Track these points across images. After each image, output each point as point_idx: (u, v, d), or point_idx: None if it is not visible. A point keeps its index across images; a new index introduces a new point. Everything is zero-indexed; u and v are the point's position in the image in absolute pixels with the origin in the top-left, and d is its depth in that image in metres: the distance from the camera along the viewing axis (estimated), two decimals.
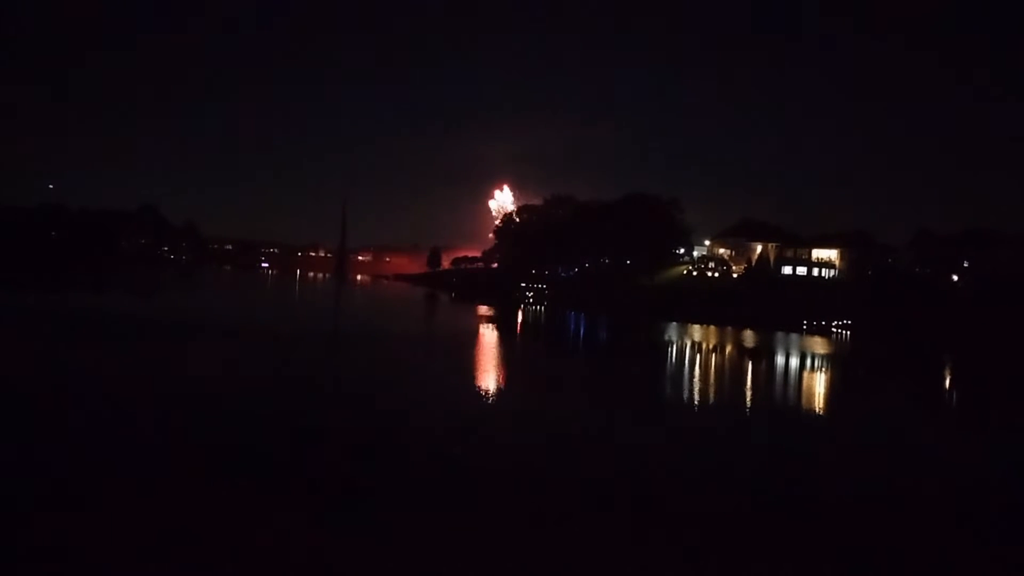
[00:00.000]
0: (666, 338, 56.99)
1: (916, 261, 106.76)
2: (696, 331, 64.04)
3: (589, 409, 24.04)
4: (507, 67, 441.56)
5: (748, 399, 28.42)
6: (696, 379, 32.73)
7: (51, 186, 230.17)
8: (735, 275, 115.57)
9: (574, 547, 10.89)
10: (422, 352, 37.48)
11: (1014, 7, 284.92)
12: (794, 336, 65.26)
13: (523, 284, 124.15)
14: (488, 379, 29.13)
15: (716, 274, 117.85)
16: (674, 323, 72.19)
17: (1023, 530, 13.71)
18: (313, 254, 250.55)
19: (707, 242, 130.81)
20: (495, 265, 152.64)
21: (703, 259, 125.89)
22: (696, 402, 26.45)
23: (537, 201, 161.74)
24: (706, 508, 13.21)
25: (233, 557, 9.66)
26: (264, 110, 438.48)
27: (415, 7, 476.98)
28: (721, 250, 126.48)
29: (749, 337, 60.51)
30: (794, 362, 44.48)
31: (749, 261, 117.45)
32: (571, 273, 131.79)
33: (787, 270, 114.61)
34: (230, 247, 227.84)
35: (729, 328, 68.61)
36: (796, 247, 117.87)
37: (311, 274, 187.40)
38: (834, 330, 76.36)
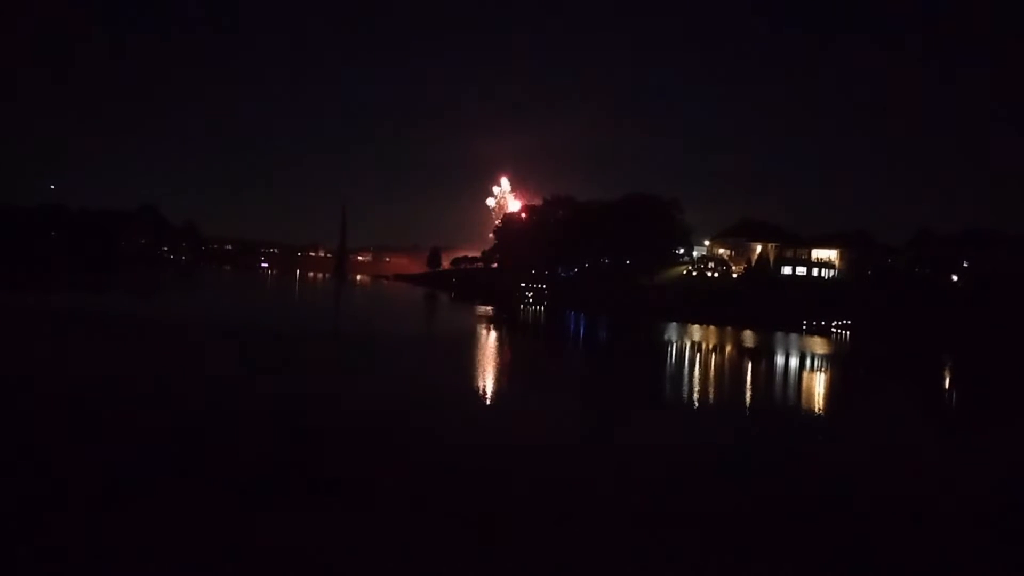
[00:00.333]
0: (666, 338, 56.99)
1: (916, 261, 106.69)
2: (696, 331, 64.04)
3: (589, 410, 24.03)
4: (507, 67, 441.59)
5: (748, 399, 28.42)
6: (696, 379, 32.72)
7: (52, 187, 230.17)
8: (735, 275, 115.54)
9: (573, 545, 10.91)
10: (422, 352, 37.48)
11: (1014, 6, 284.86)
12: (794, 336, 65.27)
13: (523, 284, 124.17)
14: (488, 379, 29.12)
15: (716, 274, 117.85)
16: (674, 323, 72.19)
17: (1022, 531, 13.70)
18: (313, 254, 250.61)
19: (707, 242, 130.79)
20: (495, 265, 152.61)
21: (703, 259, 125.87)
22: (696, 402, 26.43)
23: (537, 201, 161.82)
24: (705, 509, 13.21)
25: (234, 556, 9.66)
26: (264, 110, 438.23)
27: (415, 7, 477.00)
28: (721, 250, 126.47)
29: (749, 337, 60.51)
30: (794, 362, 44.48)
31: (749, 261, 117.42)
32: (571, 273, 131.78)
33: (787, 270, 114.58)
34: (230, 247, 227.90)
35: (729, 328, 68.62)
36: (796, 247, 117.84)
37: (311, 274, 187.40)
38: (834, 330, 76.36)
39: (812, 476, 16.68)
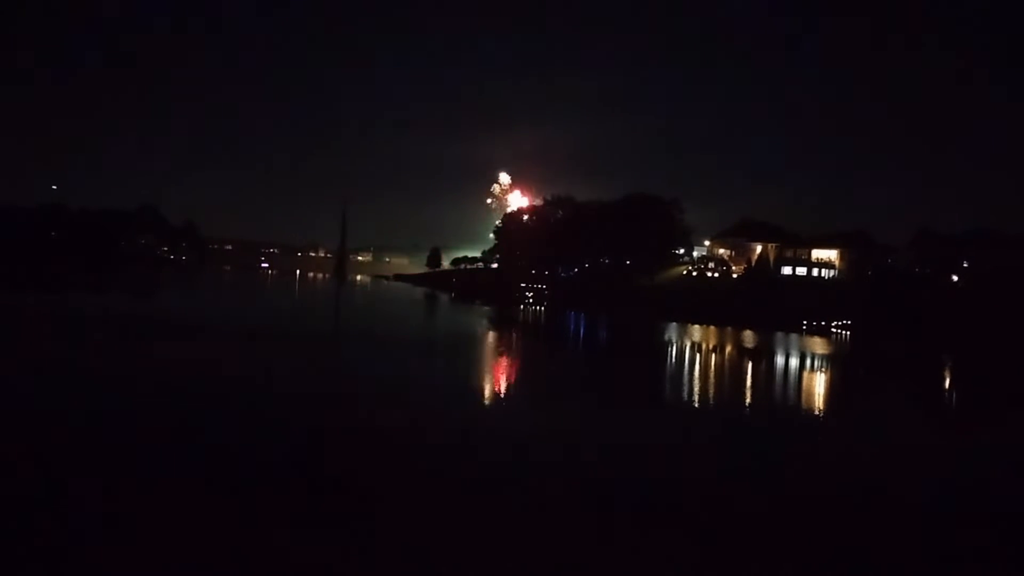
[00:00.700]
0: (666, 338, 56.97)
1: (916, 261, 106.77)
2: (696, 331, 64.03)
3: (589, 410, 24.01)
4: (507, 67, 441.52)
5: (748, 400, 28.41)
6: (696, 380, 32.71)
7: (54, 187, 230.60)
8: (735, 275, 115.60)
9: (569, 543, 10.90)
10: (423, 353, 37.47)
11: (1015, 7, 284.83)
12: (794, 336, 65.24)
13: (523, 284, 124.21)
14: (488, 380, 29.12)
15: (716, 274, 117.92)
16: (674, 323, 72.17)
17: (1020, 532, 13.69)
18: (313, 254, 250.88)
19: (707, 242, 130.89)
20: (495, 265, 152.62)
21: (703, 259, 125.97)
22: (696, 403, 26.42)
23: (537, 201, 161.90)
24: (703, 508, 13.20)
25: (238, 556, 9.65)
26: (264, 110, 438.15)
27: (415, 7, 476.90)
28: (721, 250, 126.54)
29: (749, 337, 60.49)
30: (794, 362, 44.47)
31: (749, 261, 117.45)
32: (571, 273, 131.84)
33: (787, 270, 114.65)
34: (230, 247, 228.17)
35: (729, 328, 68.60)
36: (796, 247, 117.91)
37: (311, 274, 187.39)
38: (834, 330, 76.35)
39: (812, 476, 16.66)
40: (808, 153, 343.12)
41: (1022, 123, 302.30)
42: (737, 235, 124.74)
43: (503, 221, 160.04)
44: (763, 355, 47.22)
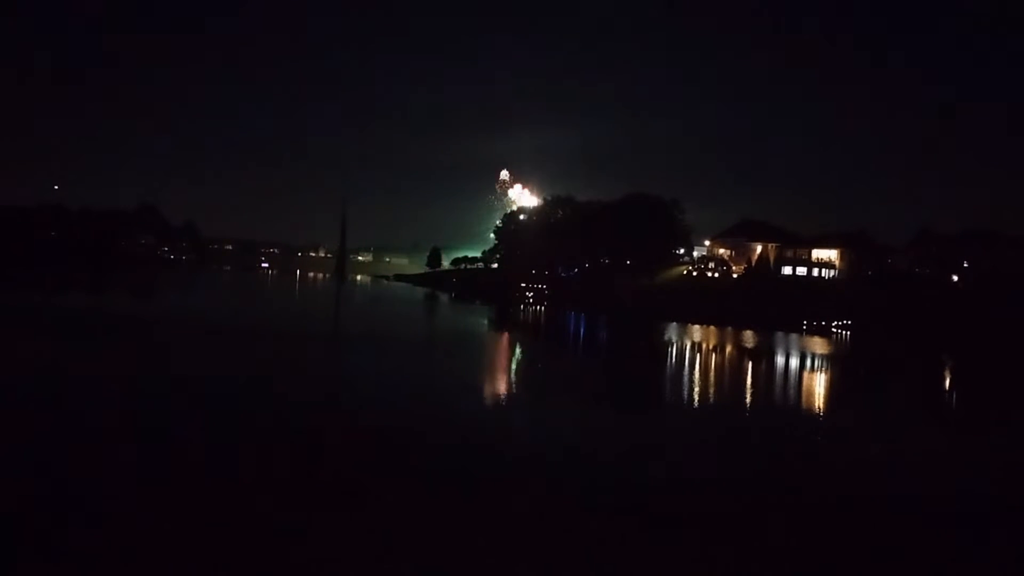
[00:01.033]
0: (666, 338, 56.97)
1: (916, 261, 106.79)
2: (696, 331, 64.03)
3: (589, 410, 24.02)
4: (507, 67, 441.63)
5: (748, 400, 28.41)
6: (696, 380, 32.71)
7: (56, 187, 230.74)
8: (735, 275, 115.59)
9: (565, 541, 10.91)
10: (423, 353, 37.48)
11: (1015, 7, 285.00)
12: (794, 336, 65.24)
13: (523, 284, 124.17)
14: (488, 379, 29.13)
15: (716, 274, 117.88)
16: (674, 323, 72.16)
17: (1018, 533, 13.69)
18: (313, 254, 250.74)
19: (707, 242, 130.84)
20: (495, 265, 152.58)
21: (703, 259, 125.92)
22: (696, 403, 26.44)
23: (538, 201, 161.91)
24: (700, 509, 13.20)
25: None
26: (264, 110, 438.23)
27: (415, 7, 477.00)
28: (721, 250, 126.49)
29: (749, 337, 60.50)
30: (794, 362, 44.48)
31: (749, 261, 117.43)
32: (571, 273, 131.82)
33: (787, 270, 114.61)
34: (230, 247, 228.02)
35: (729, 328, 68.59)
36: (796, 247, 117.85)
37: (311, 274, 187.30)
38: (834, 330, 76.34)
39: (813, 476, 16.66)
40: (808, 153, 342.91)
41: (1022, 123, 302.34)
42: (737, 235, 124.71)
43: (503, 221, 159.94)
44: (763, 355, 47.22)
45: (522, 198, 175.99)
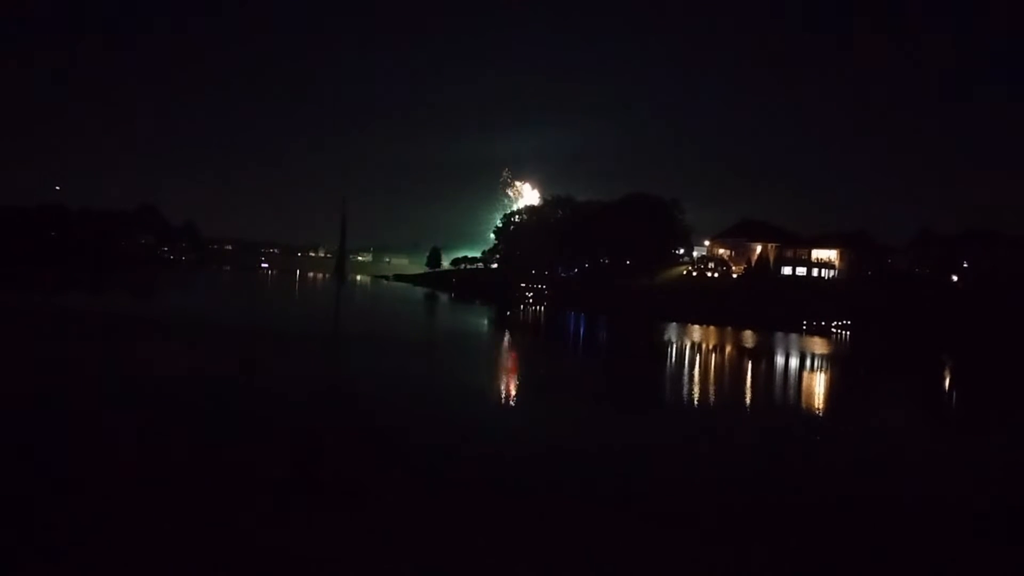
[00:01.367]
0: (666, 338, 56.97)
1: (916, 261, 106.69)
2: (696, 331, 64.03)
3: (589, 411, 24.04)
4: (507, 67, 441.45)
5: (747, 400, 28.44)
6: (696, 380, 32.72)
7: (57, 188, 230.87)
8: (735, 275, 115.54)
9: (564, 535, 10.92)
10: (423, 353, 37.48)
11: (1015, 7, 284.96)
12: (794, 336, 65.23)
13: (523, 284, 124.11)
14: (488, 380, 29.14)
15: (716, 274, 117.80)
16: (674, 323, 72.16)
17: (1017, 534, 13.71)
18: (313, 254, 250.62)
19: (707, 242, 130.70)
20: (495, 265, 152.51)
21: (703, 259, 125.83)
22: (696, 403, 26.45)
23: (539, 199, 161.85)
24: (700, 509, 13.22)
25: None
26: (264, 110, 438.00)
27: (415, 6, 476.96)
28: (721, 250, 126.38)
29: (749, 337, 60.51)
30: (794, 362, 44.49)
31: (749, 261, 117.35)
32: (571, 273, 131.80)
33: (787, 270, 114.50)
34: (230, 247, 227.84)
35: (729, 328, 68.57)
36: (796, 247, 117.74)
37: (311, 274, 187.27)
38: (834, 330, 76.32)
39: (813, 476, 16.67)
40: (808, 153, 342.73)
41: (1022, 123, 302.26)
42: (737, 235, 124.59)
43: (503, 221, 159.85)
44: (763, 355, 47.23)
45: (530, 194, 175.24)
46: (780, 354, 48.85)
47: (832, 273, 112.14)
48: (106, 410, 17.67)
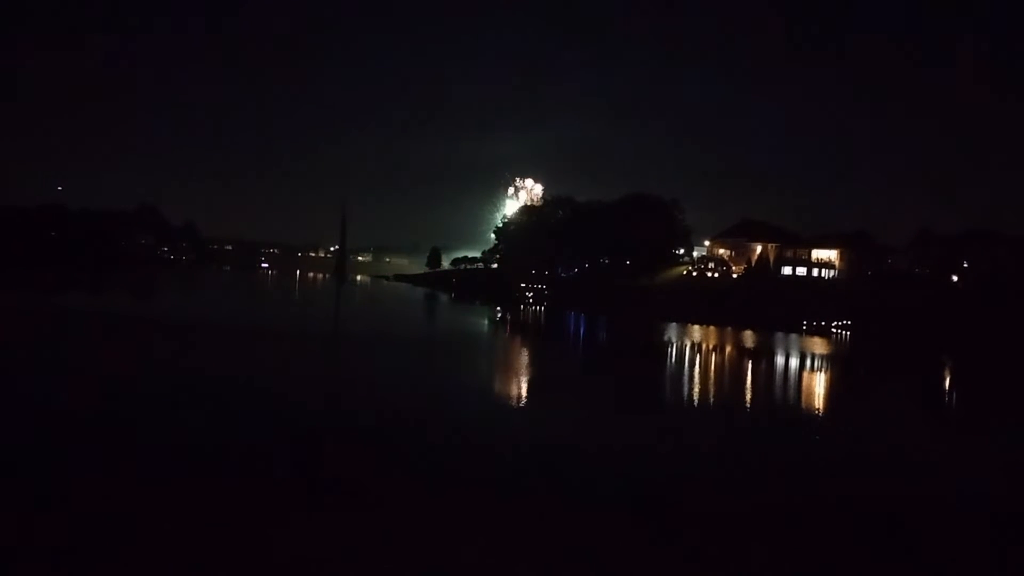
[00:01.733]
0: (666, 339, 56.98)
1: (916, 261, 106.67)
2: (696, 331, 64.03)
3: (590, 411, 24.04)
4: (507, 67, 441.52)
5: (748, 400, 28.45)
6: (696, 381, 32.73)
7: (59, 188, 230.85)
8: (735, 275, 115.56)
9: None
10: (424, 353, 37.49)
11: (1015, 7, 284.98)
12: (794, 336, 65.22)
13: (523, 284, 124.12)
14: (488, 380, 29.14)
15: (716, 274, 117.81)
16: (674, 323, 72.16)
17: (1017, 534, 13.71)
18: (313, 254, 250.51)
19: (707, 242, 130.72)
20: (495, 265, 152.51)
21: (703, 259, 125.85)
22: (696, 404, 26.46)
23: (539, 194, 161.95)
24: (700, 508, 13.22)
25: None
26: (264, 110, 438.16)
27: (415, 6, 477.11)
28: (721, 250, 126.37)
29: (749, 337, 60.51)
30: (794, 363, 44.49)
31: (749, 261, 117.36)
32: (571, 273, 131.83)
33: (787, 270, 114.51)
34: (230, 247, 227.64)
35: (729, 328, 68.55)
36: (796, 247, 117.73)
37: (311, 274, 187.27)
38: (834, 330, 76.31)
39: (813, 476, 16.67)
40: (808, 153, 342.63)
41: (1022, 123, 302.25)
42: (737, 235, 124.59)
43: (503, 221, 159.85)
44: (763, 356, 47.24)
45: (530, 194, 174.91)
46: (780, 354, 48.85)
47: (832, 273, 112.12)
48: (108, 409, 17.68)
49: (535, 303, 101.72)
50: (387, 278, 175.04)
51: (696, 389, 29.92)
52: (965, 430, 26.21)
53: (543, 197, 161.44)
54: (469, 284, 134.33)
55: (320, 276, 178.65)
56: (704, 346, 51.87)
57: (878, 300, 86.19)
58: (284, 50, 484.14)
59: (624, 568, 10.37)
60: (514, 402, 24.57)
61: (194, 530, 10.45)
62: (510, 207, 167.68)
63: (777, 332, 67.05)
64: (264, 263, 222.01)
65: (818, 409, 28.11)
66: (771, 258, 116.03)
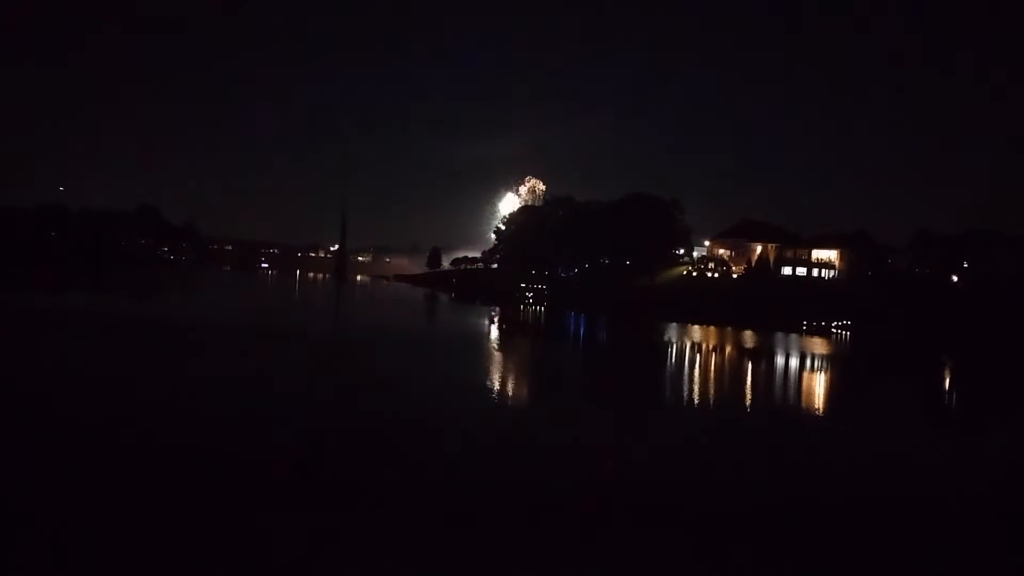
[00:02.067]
0: (666, 339, 56.99)
1: (916, 261, 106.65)
2: (696, 331, 64.05)
3: (588, 411, 24.04)
4: (507, 67, 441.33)
5: (748, 400, 28.45)
6: (696, 381, 32.74)
7: (61, 188, 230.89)
8: (735, 275, 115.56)
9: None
10: (425, 355, 37.52)
11: (1014, 7, 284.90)
12: (794, 336, 65.24)
13: (523, 284, 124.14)
14: (488, 381, 29.14)
15: (716, 274, 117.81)
16: (674, 324, 72.18)
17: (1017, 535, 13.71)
18: (313, 254, 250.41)
19: (707, 242, 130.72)
20: (495, 265, 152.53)
21: (703, 259, 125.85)
22: (696, 404, 26.47)
23: (537, 202, 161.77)
24: (700, 508, 13.23)
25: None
26: (264, 110, 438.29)
27: (415, 7, 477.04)
28: (721, 250, 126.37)
29: (749, 337, 60.52)
30: (794, 363, 44.50)
31: (749, 261, 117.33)
32: (571, 273, 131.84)
33: (787, 270, 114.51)
34: (230, 247, 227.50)
35: (729, 328, 68.58)
36: (796, 247, 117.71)
37: (311, 275, 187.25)
38: (834, 331, 76.32)
39: (813, 476, 16.68)
40: (808, 153, 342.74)
41: (1022, 122, 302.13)
42: (737, 235, 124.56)
43: (503, 221, 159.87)
44: (763, 356, 47.25)
45: (530, 194, 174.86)
46: (780, 355, 48.86)
47: (832, 273, 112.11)
48: (94, 406, 17.70)
49: (535, 303, 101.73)
50: (387, 278, 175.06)
51: (696, 389, 29.93)
52: (965, 430, 26.21)
53: (543, 197, 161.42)
54: (469, 284, 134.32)
55: (320, 276, 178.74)
56: (704, 346, 51.87)
57: (878, 300, 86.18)
58: (284, 50, 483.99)
59: (626, 568, 10.38)
60: (514, 402, 24.57)
61: (194, 530, 10.45)
62: (510, 207, 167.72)
63: (777, 332, 67.09)
64: (264, 263, 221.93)
65: (817, 409, 28.11)
66: (771, 258, 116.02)
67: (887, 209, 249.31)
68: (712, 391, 29.79)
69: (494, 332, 55.51)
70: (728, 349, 50.47)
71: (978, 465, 19.63)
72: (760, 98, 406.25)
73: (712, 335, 61.74)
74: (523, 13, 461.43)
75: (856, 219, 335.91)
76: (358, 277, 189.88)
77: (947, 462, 19.80)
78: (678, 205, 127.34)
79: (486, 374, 30.65)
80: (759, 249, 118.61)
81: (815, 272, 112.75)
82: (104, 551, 9.60)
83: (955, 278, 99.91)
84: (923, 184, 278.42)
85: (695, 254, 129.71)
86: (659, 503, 13.49)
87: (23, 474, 12.42)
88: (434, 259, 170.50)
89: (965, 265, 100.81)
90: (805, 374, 39.13)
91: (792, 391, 32.12)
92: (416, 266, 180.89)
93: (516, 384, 28.94)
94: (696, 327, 68.84)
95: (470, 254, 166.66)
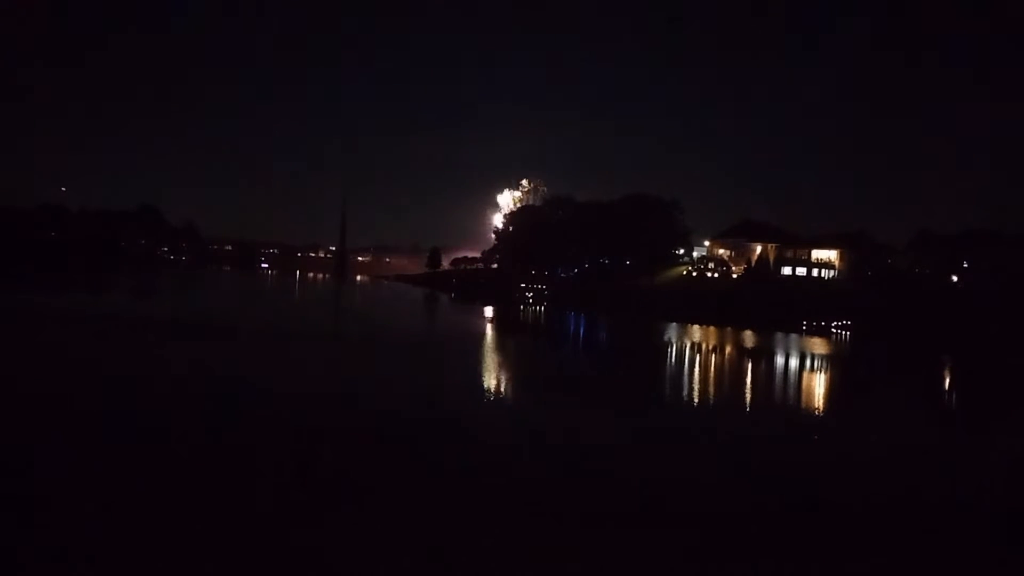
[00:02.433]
0: (666, 339, 56.98)
1: (916, 261, 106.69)
2: (696, 332, 64.04)
3: (590, 411, 24.04)
4: (507, 67, 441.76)
5: (747, 400, 28.45)
6: (696, 381, 32.73)
7: (63, 189, 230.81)
8: (735, 275, 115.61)
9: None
10: (426, 355, 37.51)
11: (1014, 7, 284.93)
12: (794, 336, 65.22)
13: (523, 284, 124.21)
14: (489, 381, 29.14)
15: (716, 275, 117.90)
16: (674, 324, 72.16)
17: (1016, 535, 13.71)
18: (313, 254, 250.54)
19: (707, 242, 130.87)
20: (495, 265, 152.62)
21: (703, 259, 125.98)
22: (696, 404, 26.47)
23: (537, 201, 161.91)
24: (700, 509, 13.22)
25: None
26: (264, 110, 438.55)
27: (415, 7, 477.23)
28: (721, 250, 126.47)
29: (749, 338, 60.51)
30: (794, 363, 44.48)
31: (749, 261, 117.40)
32: (571, 273, 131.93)
33: (787, 270, 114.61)
34: (230, 247, 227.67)
35: (729, 329, 68.56)
36: (796, 247, 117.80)
37: (311, 274, 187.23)
38: (834, 331, 76.33)
39: (813, 476, 16.67)
40: (808, 153, 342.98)
41: (1022, 122, 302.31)
42: (737, 235, 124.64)
43: (503, 221, 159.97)
44: (763, 356, 47.25)
45: (530, 194, 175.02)
46: (780, 355, 48.85)
47: (832, 273, 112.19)
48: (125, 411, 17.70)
49: (535, 303, 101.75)
50: (387, 278, 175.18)
51: (696, 390, 29.92)
52: (966, 430, 26.19)
53: (543, 197, 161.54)
54: (469, 284, 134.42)
55: (320, 276, 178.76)
56: (704, 346, 51.87)
57: (878, 300, 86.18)
58: (284, 50, 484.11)
59: (628, 569, 10.38)
60: (515, 402, 24.57)
61: (195, 530, 10.45)
62: (510, 207, 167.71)
63: (777, 332, 67.07)
64: (264, 263, 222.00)
65: (817, 409, 28.10)
66: (771, 258, 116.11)
67: (887, 209, 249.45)
68: (712, 391, 29.78)
69: (494, 333, 55.49)
70: (728, 349, 50.46)
71: (980, 465, 19.62)
72: (760, 98, 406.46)
73: (712, 335, 61.73)
74: (524, 13, 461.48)
75: (856, 219, 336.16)
76: (358, 277, 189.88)
77: (948, 462, 19.79)
78: (678, 205, 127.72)
79: (486, 374, 30.64)
80: (759, 249, 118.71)
81: (815, 272, 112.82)
82: (103, 551, 9.59)
83: (955, 278, 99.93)
84: (923, 184, 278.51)
85: (695, 254, 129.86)
86: (659, 503, 13.49)
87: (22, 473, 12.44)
88: (434, 259, 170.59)
89: (965, 265, 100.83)
90: (805, 374, 39.11)
91: (792, 391, 32.11)
92: (416, 266, 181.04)
93: (516, 384, 28.93)
94: (696, 327, 68.81)
95: (470, 254, 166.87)
